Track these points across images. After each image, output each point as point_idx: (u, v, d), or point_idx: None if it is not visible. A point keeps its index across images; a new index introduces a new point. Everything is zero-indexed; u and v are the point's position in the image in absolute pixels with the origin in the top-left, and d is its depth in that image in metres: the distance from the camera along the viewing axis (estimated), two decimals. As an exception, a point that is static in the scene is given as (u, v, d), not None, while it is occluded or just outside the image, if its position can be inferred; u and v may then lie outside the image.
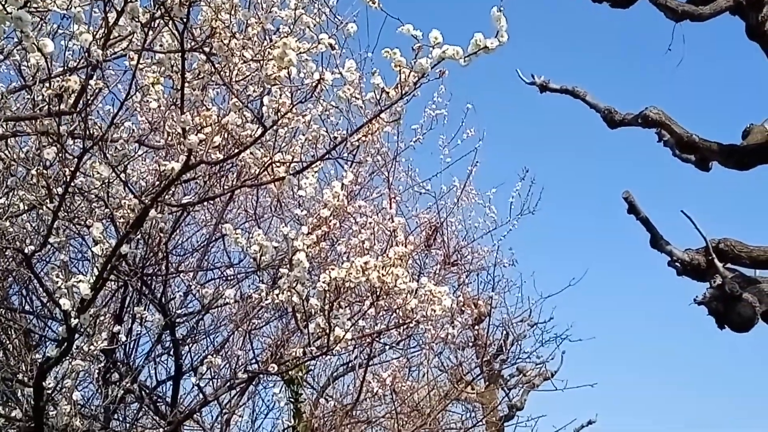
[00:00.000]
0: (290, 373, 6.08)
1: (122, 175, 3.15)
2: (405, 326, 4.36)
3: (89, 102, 2.85)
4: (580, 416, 10.77)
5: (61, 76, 2.89)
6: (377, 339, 4.98)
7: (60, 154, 2.97)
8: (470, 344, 9.22)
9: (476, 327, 8.95)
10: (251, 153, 3.67)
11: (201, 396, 5.06)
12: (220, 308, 6.03)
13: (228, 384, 4.43)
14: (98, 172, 3.02)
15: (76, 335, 3.59)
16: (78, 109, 2.74)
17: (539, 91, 5.34)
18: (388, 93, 2.70)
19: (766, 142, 4.70)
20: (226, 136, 3.07)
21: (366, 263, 3.30)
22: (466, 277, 8.43)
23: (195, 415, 6.43)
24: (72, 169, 2.86)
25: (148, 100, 3.43)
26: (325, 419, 6.38)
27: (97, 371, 5.04)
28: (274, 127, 3.20)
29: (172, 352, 5.70)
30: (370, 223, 3.98)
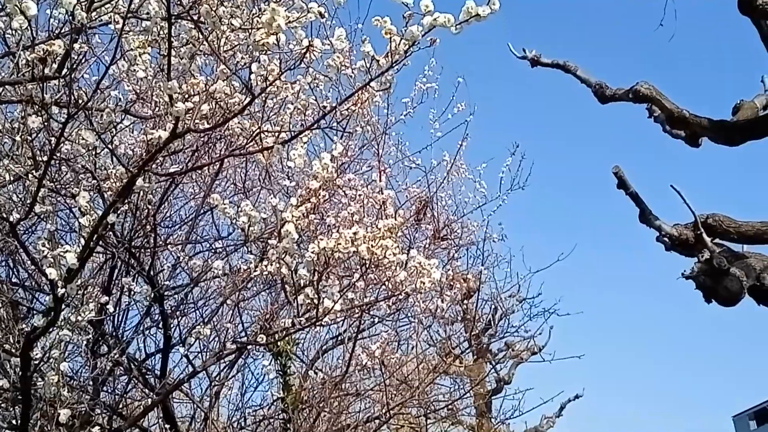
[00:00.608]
0: (279, 345, 6.09)
1: (109, 144, 3.10)
2: (394, 298, 4.36)
3: (74, 67, 2.80)
4: (567, 391, 10.93)
5: (45, 43, 2.83)
6: (366, 311, 4.99)
7: (45, 122, 2.92)
8: (459, 318, 9.28)
9: (465, 302, 8.99)
10: (240, 123, 3.64)
11: (190, 368, 5.05)
12: (209, 281, 6.02)
13: (217, 355, 4.43)
14: (84, 139, 2.97)
15: (63, 305, 3.57)
16: (62, 74, 2.69)
17: (530, 66, 5.33)
18: (378, 61, 2.67)
19: (755, 118, 4.71)
20: (213, 105, 3.03)
21: (355, 234, 3.29)
22: (456, 252, 8.45)
23: (185, 388, 6.45)
24: (57, 135, 2.82)
25: (135, 70, 3.38)
26: (314, 391, 6.41)
27: (85, 343, 5.03)
28: (263, 96, 3.16)
29: (161, 325, 5.69)
30: (360, 195, 3.95)
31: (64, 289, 3.26)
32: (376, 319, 6.53)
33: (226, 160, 5.72)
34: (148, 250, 5.29)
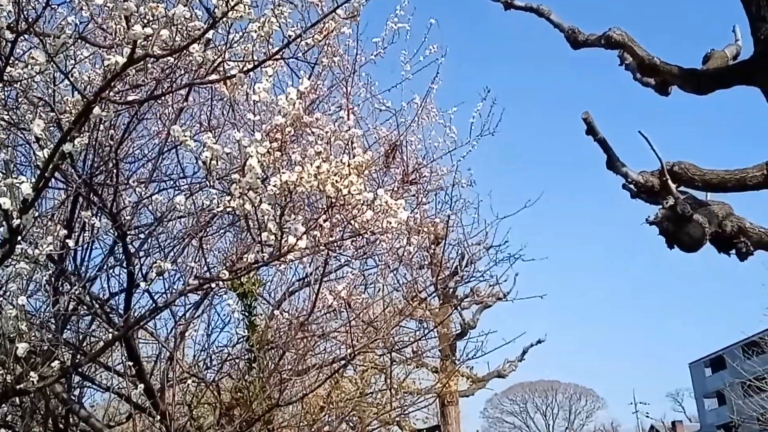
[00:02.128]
0: (244, 285, 6.08)
1: (60, 65, 2.97)
2: (360, 237, 4.33)
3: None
4: (530, 335, 11.20)
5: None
6: (332, 251, 4.97)
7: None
8: (426, 264, 9.34)
9: (433, 247, 9.04)
10: (202, 54, 3.51)
11: (153, 304, 5.01)
12: (173, 222, 5.93)
13: (180, 292, 4.39)
14: (33, 58, 2.84)
15: (20, 238, 3.48)
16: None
17: (504, 8, 5.23)
18: (345, -13, 2.57)
19: (725, 67, 4.71)
20: (174, 31, 2.91)
21: (318, 168, 3.23)
22: (424, 197, 8.43)
23: (149, 327, 6.43)
24: (6, 55, 2.69)
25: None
26: (280, 332, 6.44)
27: (46, 279, 4.95)
28: (226, 26, 3.05)
29: (124, 264, 5.61)
30: (327, 133, 3.87)
31: (19, 220, 3.18)
32: (343, 260, 6.54)
33: (190, 97, 5.57)
34: (111, 187, 5.17)
